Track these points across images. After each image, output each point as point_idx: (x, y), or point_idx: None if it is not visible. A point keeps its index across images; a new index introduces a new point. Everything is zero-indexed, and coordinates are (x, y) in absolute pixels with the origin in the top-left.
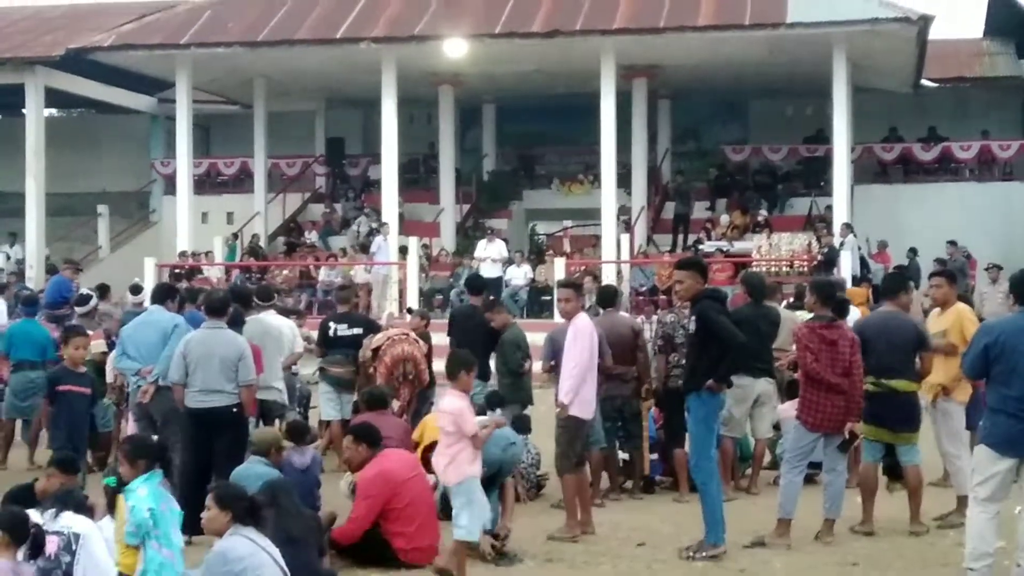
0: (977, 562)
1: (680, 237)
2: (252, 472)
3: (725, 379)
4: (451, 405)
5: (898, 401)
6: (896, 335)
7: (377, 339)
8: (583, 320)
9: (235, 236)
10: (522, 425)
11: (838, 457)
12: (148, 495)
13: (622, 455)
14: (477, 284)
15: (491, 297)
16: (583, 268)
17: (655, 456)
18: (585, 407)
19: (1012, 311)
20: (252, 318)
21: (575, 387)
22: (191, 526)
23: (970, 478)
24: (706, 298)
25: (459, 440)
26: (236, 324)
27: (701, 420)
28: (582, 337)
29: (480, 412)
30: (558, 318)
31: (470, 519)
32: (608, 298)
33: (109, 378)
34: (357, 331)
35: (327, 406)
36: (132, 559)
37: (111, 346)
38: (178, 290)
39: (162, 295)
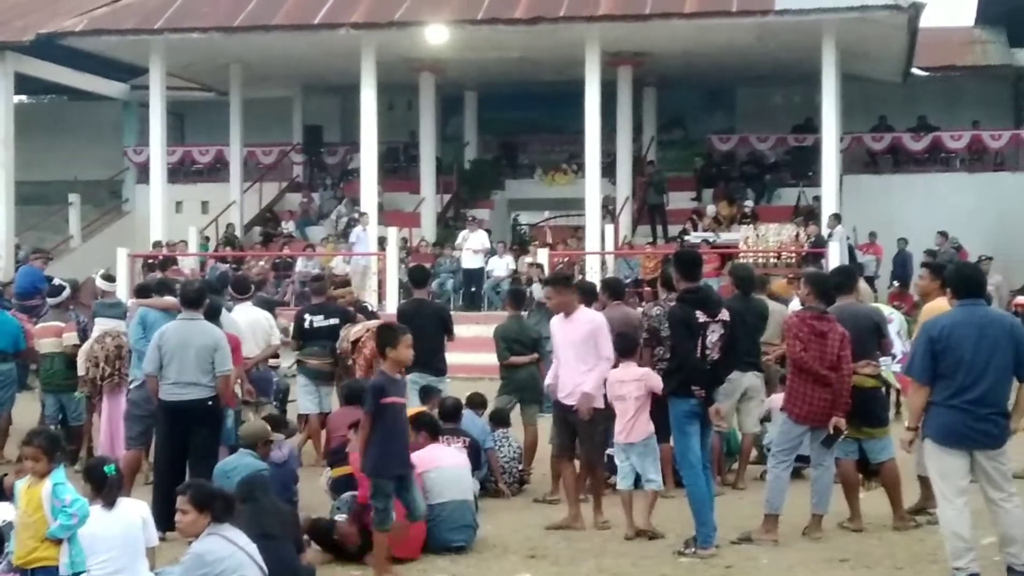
0: (960, 560)
1: (659, 228)
2: (241, 464)
3: (680, 391)
4: (638, 371)
5: (859, 396)
6: (851, 326)
7: (356, 330)
8: (593, 312)
9: (206, 239)
10: (500, 418)
11: (824, 452)
12: (73, 488)
13: (610, 451)
14: (420, 276)
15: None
16: (566, 259)
17: None
18: (600, 399)
19: (951, 305)
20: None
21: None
22: (165, 521)
23: (931, 477)
24: (680, 299)
25: (638, 403)
26: (213, 316)
27: (673, 422)
28: (604, 330)
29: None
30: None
31: (656, 472)
32: (617, 290)
33: (81, 371)
34: (334, 321)
35: (305, 399)
36: (54, 551)
37: (83, 338)
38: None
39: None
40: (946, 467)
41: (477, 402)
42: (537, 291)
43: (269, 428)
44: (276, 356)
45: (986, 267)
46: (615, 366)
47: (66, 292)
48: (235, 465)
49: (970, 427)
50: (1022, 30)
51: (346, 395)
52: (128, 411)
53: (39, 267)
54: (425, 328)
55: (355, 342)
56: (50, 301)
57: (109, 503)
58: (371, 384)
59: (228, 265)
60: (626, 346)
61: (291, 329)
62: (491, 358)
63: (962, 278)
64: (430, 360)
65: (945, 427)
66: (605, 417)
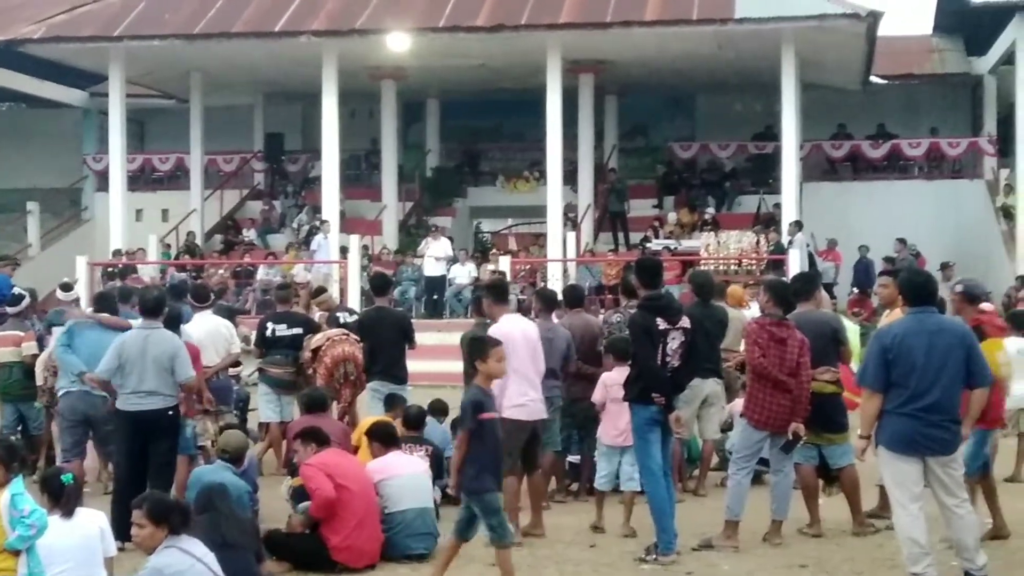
0: (916, 565)
1: (620, 235)
2: (221, 478)
3: (640, 398)
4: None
5: (818, 402)
6: (810, 332)
7: (317, 339)
8: (495, 328)
9: (167, 247)
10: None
11: (783, 458)
12: (31, 499)
13: (571, 458)
14: (382, 284)
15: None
16: (528, 267)
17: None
18: (521, 410)
19: (903, 312)
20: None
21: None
22: (124, 531)
23: (885, 483)
24: (641, 306)
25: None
26: (173, 324)
27: (634, 429)
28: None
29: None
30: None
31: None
32: (575, 299)
33: (39, 380)
34: (297, 331)
35: (266, 408)
36: (12, 562)
37: (42, 348)
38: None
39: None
40: (900, 474)
41: (439, 409)
42: None
43: (249, 440)
44: (237, 364)
45: (949, 274)
46: (609, 369)
47: (26, 301)
48: (213, 476)
49: (922, 434)
50: (979, 39)
51: (306, 404)
52: (58, 424)
53: (8, 274)
54: (386, 336)
55: (315, 351)
56: (10, 310)
57: (67, 513)
58: (469, 400)
59: (187, 273)
60: (623, 350)
61: (252, 337)
62: (452, 366)
63: (913, 286)
64: (391, 368)
65: (898, 434)
66: (517, 428)
